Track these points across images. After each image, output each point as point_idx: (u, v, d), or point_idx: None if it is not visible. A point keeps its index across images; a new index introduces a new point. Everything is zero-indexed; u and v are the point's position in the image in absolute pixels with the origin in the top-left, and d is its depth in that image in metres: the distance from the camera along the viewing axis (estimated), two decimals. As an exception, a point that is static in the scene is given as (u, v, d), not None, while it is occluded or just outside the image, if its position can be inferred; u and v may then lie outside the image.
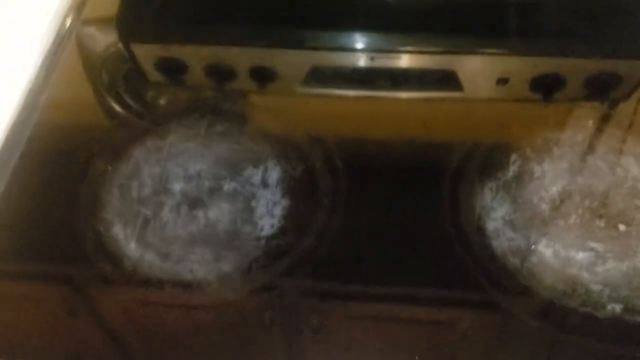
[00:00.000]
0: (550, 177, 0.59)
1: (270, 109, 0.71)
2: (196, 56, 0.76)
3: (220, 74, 0.74)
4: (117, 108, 0.72)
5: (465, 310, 0.54)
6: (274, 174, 0.61)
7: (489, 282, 0.53)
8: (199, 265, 0.54)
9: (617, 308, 0.51)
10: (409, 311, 0.54)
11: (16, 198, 0.61)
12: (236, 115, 0.67)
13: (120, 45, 0.77)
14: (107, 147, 0.64)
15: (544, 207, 0.57)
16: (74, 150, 0.64)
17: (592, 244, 0.55)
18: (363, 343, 0.51)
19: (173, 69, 0.75)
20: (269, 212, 0.58)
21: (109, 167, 0.61)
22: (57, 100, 0.72)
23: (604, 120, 0.65)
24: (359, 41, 0.77)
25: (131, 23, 0.81)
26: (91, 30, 0.82)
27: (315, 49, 0.77)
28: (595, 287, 0.52)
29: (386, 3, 0.80)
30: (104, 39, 0.79)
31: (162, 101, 0.74)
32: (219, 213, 0.58)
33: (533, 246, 0.55)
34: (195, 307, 0.53)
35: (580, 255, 0.54)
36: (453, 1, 0.82)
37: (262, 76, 0.74)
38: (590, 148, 0.62)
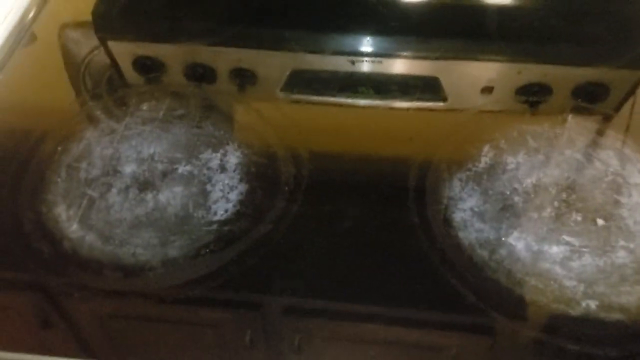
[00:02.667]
0: (524, 169, 0.56)
1: (249, 112, 0.68)
2: (175, 55, 0.74)
3: (200, 74, 0.71)
4: (97, 112, 0.70)
5: (435, 316, 0.50)
6: (233, 158, 0.57)
7: (454, 275, 0.49)
8: (143, 249, 0.51)
9: (593, 305, 0.47)
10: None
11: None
12: (199, 101, 0.64)
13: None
14: (59, 128, 0.60)
15: (517, 199, 0.54)
16: (25, 131, 0.61)
17: (568, 238, 0.51)
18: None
19: (151, 68, 0.73)
20: (225, 197, 0.54)
21: (59, 148, 0.58)
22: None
23: (584, 115, 0.62)
24: (340, 44, 0.75)
25: (108, 18, 0.79)
26: (77, 34, 0.80)
27: (295, 50, 0.74)
28: (570, 283, 0.48)
29: (369, 6, 0.78)
30: (88, 43, 0.77)
31: (145, 106, 0.71)
32: (170, 196, 0.54)
33: (503, 238, 0.51)
34: (137, 293, 0.49)
35: (554, 249, 0.50)
36: (437, 5, 0.80)
37: (243, 78, 0.72)
38: (569, 141, 0.58)
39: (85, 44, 0.79)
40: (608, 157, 0.57)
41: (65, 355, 0.47)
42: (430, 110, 0.68)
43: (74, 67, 0.75)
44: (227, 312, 0.49)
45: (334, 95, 0.71)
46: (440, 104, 0.69)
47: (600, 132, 0.60)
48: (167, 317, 0.49)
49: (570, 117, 0.61)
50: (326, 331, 0.49)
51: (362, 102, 0.70)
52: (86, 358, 0.47)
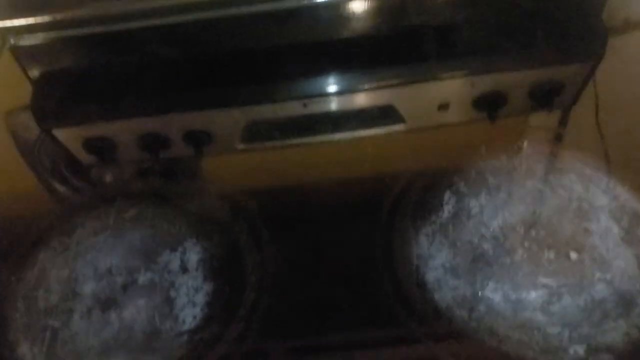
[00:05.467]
0: (488, 211, 0.55)
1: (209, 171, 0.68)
2: (124, 131, 0.72)
3: (153, 144, 0.70)
4: (63, 189, 0.68)
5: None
6: (194, 255, 0.55)
7: (435, 343, 0.48)
8: (115, 378, 0.49)
9: (580, 350, 0.46)
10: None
11: None
12: (149, 195, 0.62)
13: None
14: (10, 254, 0.58)
15: (486, 246, 0.52)
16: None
17: (544, 280, 0.50)
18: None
19: (102, 148, 0.71)
20: (190, 301, 0.52)
21: (13, 278, 0.56)
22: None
23: (540, 137, 0.61)
24: (288, 90, 0.74)
25: (48, 109, 0.77)
26: (23, 118, 0.78)
27: (244, 104, 0.73)
28: (553, 330, 0.47)
29: (311, 48, 0.77)
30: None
31: (108, 177, 0.69)
32: (135, 311, 0.52)
33: (480, 292, 0.50)
34: None
35: (533, 295, 0.49)
36: (378, 34, 0.79)
37: (197, 140, 0.70)
38: (528, 171, 0.57)
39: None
40: (570, 182, 0.56)
41: None
42: (391, 134, 0.68)
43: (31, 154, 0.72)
44: None
45: (292, 138, 0.69)
46: (399, 127, 0.68)
47: (557, 155, 0.58)
48: None
49: (525, 143, 0.59)
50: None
51: (321, 139, 0.69)
52: None
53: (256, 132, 0.71)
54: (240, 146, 0.70)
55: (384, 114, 0.71)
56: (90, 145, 0.73)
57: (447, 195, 0.56)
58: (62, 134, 0.75)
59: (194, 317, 0.51)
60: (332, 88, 0.74)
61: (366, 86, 0.74)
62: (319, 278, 0.53)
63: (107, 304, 0.53)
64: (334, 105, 0.73)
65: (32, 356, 0.51)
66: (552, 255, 0.51)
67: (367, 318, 0.51)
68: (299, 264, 0.55)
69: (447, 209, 0.55)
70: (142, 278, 0.54)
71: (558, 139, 0.61)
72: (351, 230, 0.57)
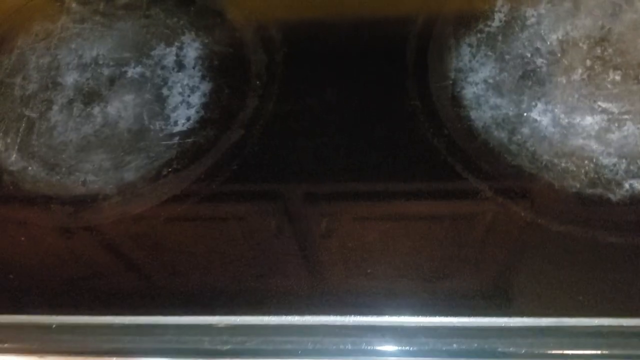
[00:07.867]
0: (548, 22, 0.45)
1: None
2: None
3: None
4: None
5: (449, 202, 0.41)
6: (192, 51, 0.47)
7: (465, 166, 0.40)
8: (95, 176, 0.43)
9: (637, 185, 0.38)
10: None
11: None
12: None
13: None
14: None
15: (540, 61, 0.43)
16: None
17: (604, 104, 0.41)
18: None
19: None
20: (185, 101, 0.45)
21: (-13, 63, 0.49)
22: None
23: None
24: None
25: None
26: None
27: None
28: (608, 160, 0.39)
29: None
30: None
31: None
32: (121, 107, 0.45)
33: (525, 113, 0.41)
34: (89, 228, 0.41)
35: (588, 120, 0.41)
36: None
37: None
38: (602, -21, 0.46)
39: None
40: (653, -6, 0.45)
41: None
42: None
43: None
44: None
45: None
46: None
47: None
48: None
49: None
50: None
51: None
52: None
53: None
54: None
55: None
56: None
57: (499, 1, 0.46)
58: None
59: (188, 119, 0.44)
60: None
61: None
62: (335, 86, 0.45)
63: (90, 97, 0.46)
64: None
65: (5, 146, 0.45)
66: (618, 77, 0.42)
67: (390, 137, 0.43)
68: (311, 71, 0.47)
69: (498, 17, 0.46)
70: (132, 72, 0.47)
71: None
72: (373, 48, 0.48)
